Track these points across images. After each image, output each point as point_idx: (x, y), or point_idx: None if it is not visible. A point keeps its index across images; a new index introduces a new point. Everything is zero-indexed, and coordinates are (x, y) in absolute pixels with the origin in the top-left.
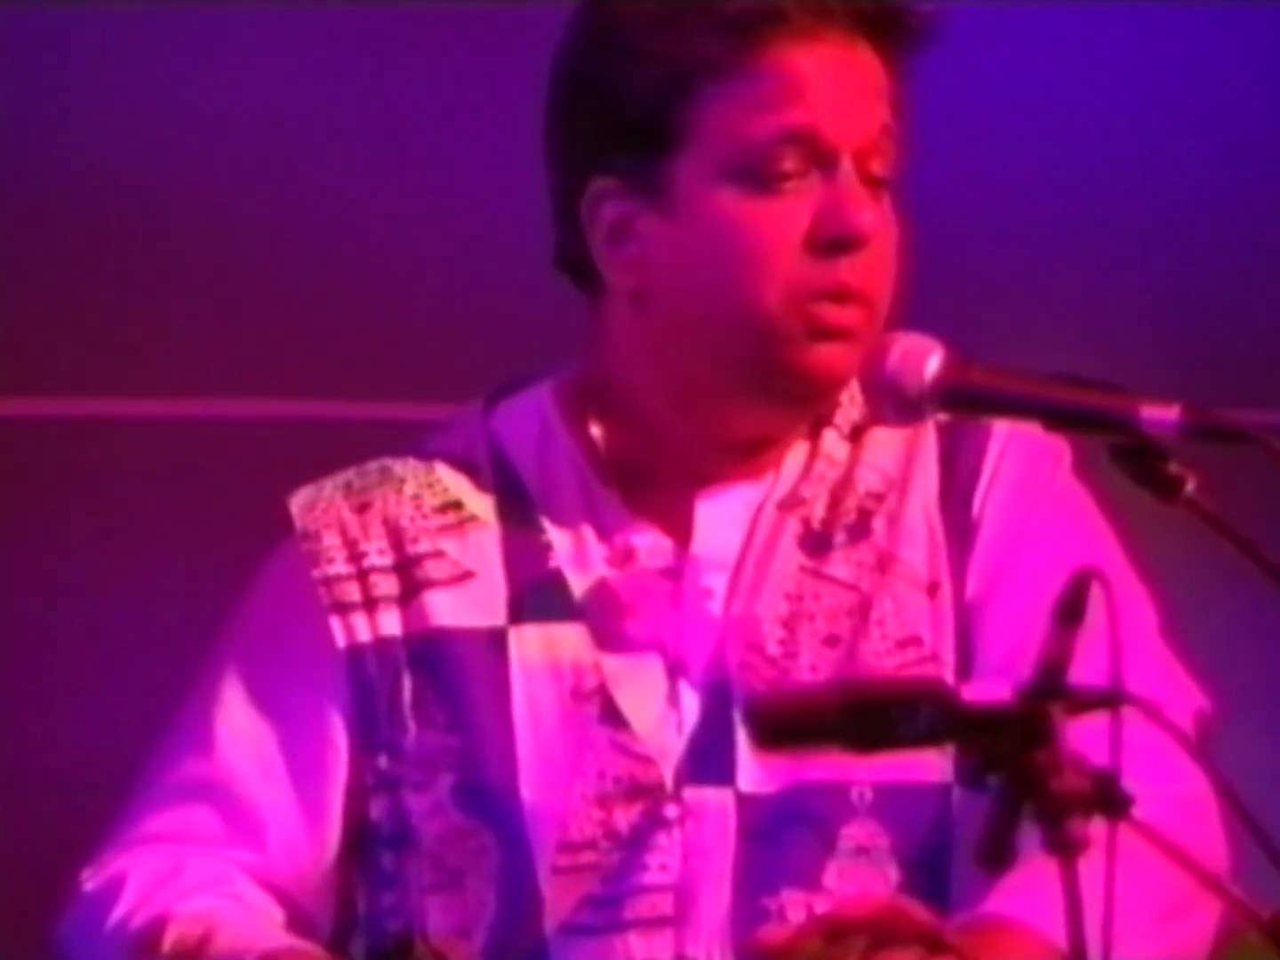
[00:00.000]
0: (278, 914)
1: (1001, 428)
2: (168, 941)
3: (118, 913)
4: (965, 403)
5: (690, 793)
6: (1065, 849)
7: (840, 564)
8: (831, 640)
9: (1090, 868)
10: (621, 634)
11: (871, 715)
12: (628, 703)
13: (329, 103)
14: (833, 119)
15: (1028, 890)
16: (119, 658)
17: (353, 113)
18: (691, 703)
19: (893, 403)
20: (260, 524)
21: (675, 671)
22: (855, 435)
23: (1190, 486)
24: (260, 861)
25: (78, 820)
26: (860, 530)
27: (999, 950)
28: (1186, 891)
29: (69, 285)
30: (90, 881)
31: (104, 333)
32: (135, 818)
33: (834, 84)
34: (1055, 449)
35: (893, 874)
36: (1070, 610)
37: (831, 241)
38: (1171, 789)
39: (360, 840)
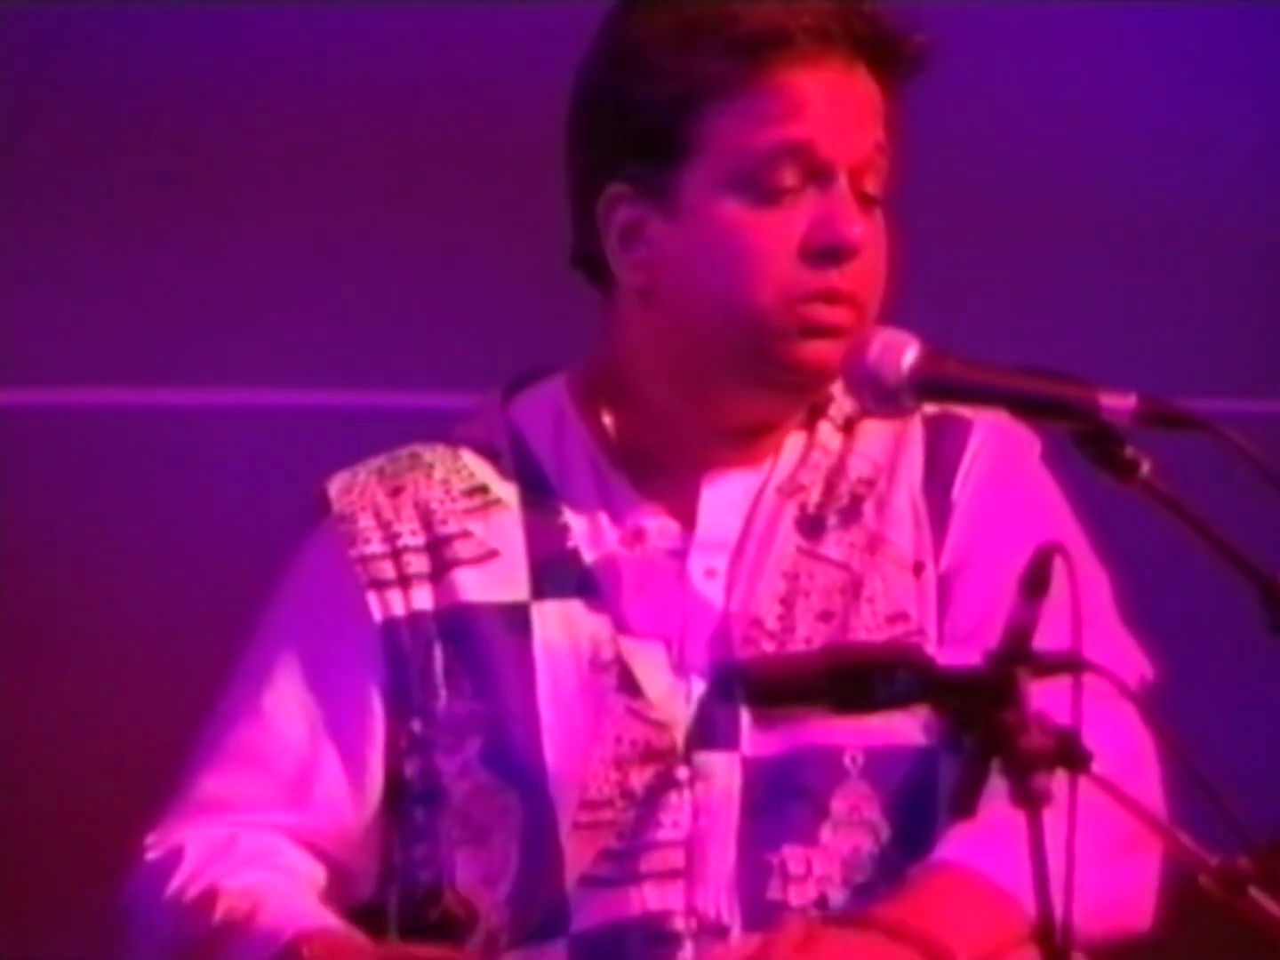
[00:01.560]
0: (320, 875)
1: (981, 422)
2: (218, 913)
3: (174, 884)
4: (939, 392)
5: (699, 757)
6: (1031, 801)
7: (834, 545)
8: (825, 616)
9: (1014, 812)
10: (632, 616)
11: (853, 679)
12: (642, 673)
13: (366, 100)
14: (830, 137)
15: (972, 836)
16: (142, 648)
17: (387, 111)
18: (697, 675)
19: (872, 392)
20: (282, 515)
21: (680, 656)
22: (848, 427)
23: (1145, 469)
24: (306, 823)
25: (89, 816)
26: (852, 514)
27: (935, 892)
28: (1131, 836)
29: (106, 275)
30: (152, 851)
31: (139, 323)
32: (192, 783)
33: (832, 104)
34: (1027, 440)
35: (883, 832)
36: (1035, 582)
37: (824, 251)
38: (1117, 745)
39: (395, 797)
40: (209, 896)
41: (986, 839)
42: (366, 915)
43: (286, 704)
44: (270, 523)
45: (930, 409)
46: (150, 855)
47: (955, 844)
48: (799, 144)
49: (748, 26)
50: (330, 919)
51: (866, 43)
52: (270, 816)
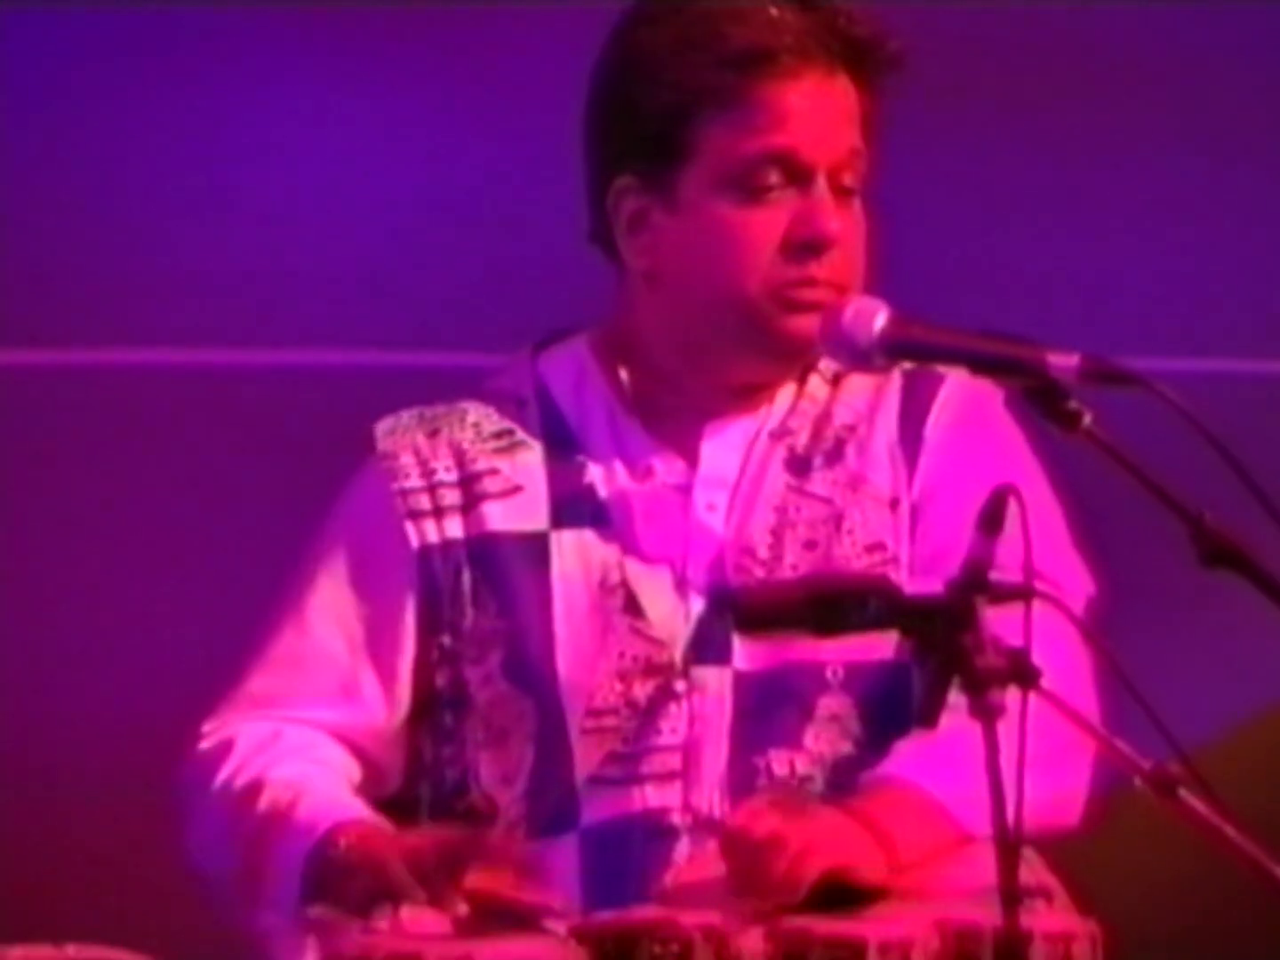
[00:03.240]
0: (355, 769)
1: (952, 376)
2: (263, 803)
3: (224, 774)
4: (906, 352)
5: (695, 671)
6: (986, 714)
7: (819, 483)
8: (811, 545)
9: (966, 728)
10: (640, 542)
11: (829, 606)
12: (645, 596)
13: (398, 99)
14: (810, 143)
15: (913, 752)
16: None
17: (435, 110)
18: (696, 597)
19: (847, 353)
20: (317, 474)
21: (682, 580)
22: (836, 380)
23: (1087, 420)
24: (344, 719)
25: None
26: (836, 455)
27: (876, 798)
28: (1064, 742)
29: (144, 237)
30: (205, 741)
31: (179, 284)
32: (244, 679)
33: (812, 113)
34: (992, 390)
35: (861, 737)
36: (991, 520)
37: (804, 244)
38: (1057, 660)
39: (428, 704)
40: (255, 786)
41: (926, 755)
42: (400, 807)
43: (329, 616)
44: (305, 482)
45: (909, 365)
46: (203, 745)
47: (896, 760)
48: (782, 151)
49: (737, 43)
50: (363, 810)
51: (844, 54)
52: (313, 713)
